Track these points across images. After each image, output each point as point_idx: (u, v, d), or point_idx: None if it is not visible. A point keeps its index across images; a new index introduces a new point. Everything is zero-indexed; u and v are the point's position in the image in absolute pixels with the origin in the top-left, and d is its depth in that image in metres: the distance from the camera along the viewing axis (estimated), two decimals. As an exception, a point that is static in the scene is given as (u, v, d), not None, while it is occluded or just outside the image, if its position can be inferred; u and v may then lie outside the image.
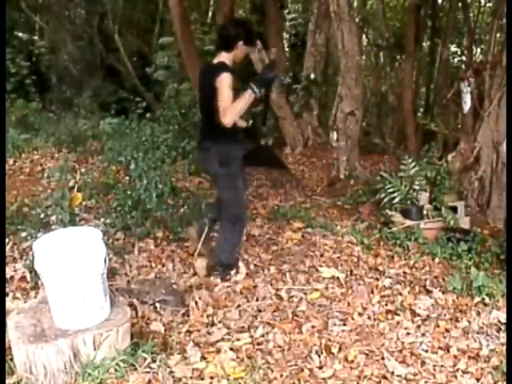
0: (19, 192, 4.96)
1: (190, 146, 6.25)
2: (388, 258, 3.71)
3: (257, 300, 2.94)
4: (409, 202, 4.40)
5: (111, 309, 2.27)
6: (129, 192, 3.83)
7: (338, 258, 3.65)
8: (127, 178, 4.45)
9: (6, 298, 2.69)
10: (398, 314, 2.86)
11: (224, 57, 3.03)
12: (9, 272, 2.99)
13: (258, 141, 3.52)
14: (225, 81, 2.83)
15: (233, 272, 3.25)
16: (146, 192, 3.76)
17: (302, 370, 2.29)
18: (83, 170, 4.40)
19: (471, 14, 9.49)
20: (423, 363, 2.40)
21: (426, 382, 2.27)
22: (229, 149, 3.04)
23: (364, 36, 11.62)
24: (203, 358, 2.33)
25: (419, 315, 2.86)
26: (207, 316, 2.74)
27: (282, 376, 2.24)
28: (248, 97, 2.82)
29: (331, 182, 6.10)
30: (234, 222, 3.18)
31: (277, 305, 2.90)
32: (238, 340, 2.50)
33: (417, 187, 4.48)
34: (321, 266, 3.45)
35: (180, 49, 8.45)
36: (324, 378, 2.25)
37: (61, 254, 2.09)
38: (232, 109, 2.81)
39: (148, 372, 2.12)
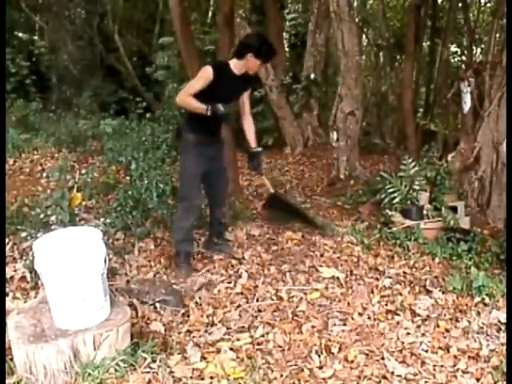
0: (19, 192, 4.96)
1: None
2: (388, 258, 3.70)
3: (257, 300, 2.94)
4: (409, 202, 4.39)
5: (111, 309, 2.27)
6: (130, 192, 3.83)
7: (338, 257, 3.65)
8: (128, 177, 4.45)
9: (6, 298, 2.69)
10: (398, 314, 2.86)
11: (233, 61, 3.15)
12: (9, 272, 2.99)
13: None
14: (200, 72, 3.07)
15: (182, 266, 3.25)
16: (147, 192, 3.77)
17: (302, 370, 2.29)
18: (83, 170, 4.41)
19: (471, 14, 9.48)
20: (423, 363, 2.40)
21: (426, 382, 2.27)
22: (182, 130, 3.29)
23: (364, 36, 11.62)
24: (203, 357, 2.33)
25: (419, 315, 2.86)
26: (207, 316, 2.74)
27: (281, 376, 2.24)
28: (200, 108, 3.01)
29: (331, 182, 6.10)
30: (180, 200, 3.34)
31: (277, 305, 2.90)
32: (238, 340, 2.50)
33: (417, 187, 4.47)
34: (321, 266, 3.45)
35: (180, 49, 8.42)
36: (324, 378, 2.25)
37: (61, 254, 2.09)
38: (184, 97, 3.05)
39: (148, 372, 2.13)
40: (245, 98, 3.36)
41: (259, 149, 3.49)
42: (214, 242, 3.60)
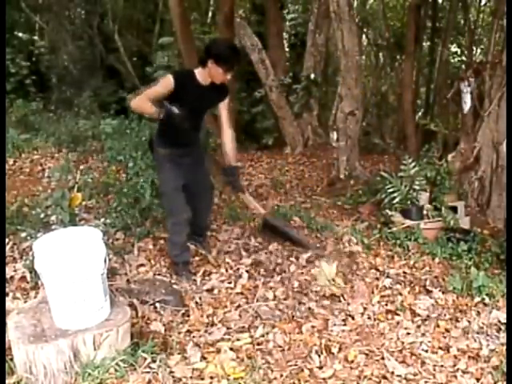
0: (19, 192, 4.96)
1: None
2: (388, 258, 3.70)
3: (257, 300, 2.93)
4: (409, 202, 4.39)
5: (111, 309, 2.27)
6: (125, 190, 3.83)
7: (339, 257, 3.64)
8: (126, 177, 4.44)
9: (6, 298, 2.69)
10: (398, 314, 2.86)
11: (198, 70, 3.00)
12: (9, 272, 2.99)
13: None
14: (161, 80, 2.97)
15: (183, 274, 3.18)
16: (142, 190, 3.76)
17: (302, 370, 2.29)
18: (83, 170, 4.40)
19: (471, 14, 9.49)
20: (423, 363, 2.40)
21: (426, 382, 2.27)
22: (154, 140, 3.19)
23: (364, 36, 11.64)
24: (203, 357, 2.33)
25: (419, 315, 2.86)
26: (207, 316, 2.73)
27: (281, 376, 2.24)
28: (151, 113, 2.92)
29: (331, 181, 6.10)
30: (167, 216, 3.28)
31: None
32: (238, 340, 2.50)
33: (417, 187, 4.47)
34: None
35: (180, 49, 8.45)
36: (324, 378, 2.24)
37: (61, 254, 2.09)
38: (139, 102, 2.91)
39: (148, 372, 2.12)
40: (221, 109, 3.14)
41: (238, 164, 3.23)
42: (193, 238, 3.54)
